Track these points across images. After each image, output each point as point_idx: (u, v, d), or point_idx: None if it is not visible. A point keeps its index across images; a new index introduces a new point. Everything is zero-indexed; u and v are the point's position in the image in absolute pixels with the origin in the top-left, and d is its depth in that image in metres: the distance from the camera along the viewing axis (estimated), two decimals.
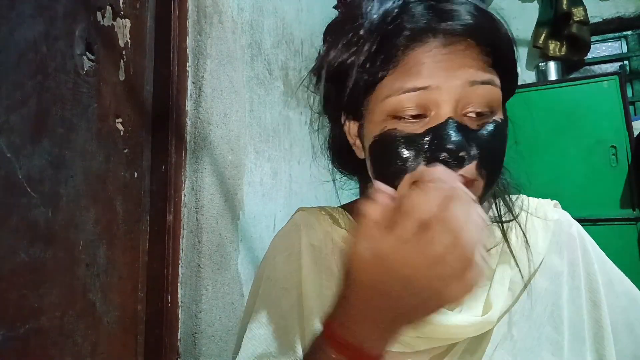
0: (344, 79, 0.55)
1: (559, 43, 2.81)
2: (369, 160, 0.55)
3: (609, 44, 3.06)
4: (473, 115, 0.50)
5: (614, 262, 0.60)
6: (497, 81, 0.51)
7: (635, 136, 2.32)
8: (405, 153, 0.50)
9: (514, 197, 0.63)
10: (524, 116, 2.89)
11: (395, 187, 0.50)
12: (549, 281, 0.58)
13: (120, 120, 0.99)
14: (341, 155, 0.64)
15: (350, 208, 0.66)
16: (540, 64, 2.84)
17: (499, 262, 0.58)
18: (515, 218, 0.60)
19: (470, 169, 0.49)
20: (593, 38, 2.88)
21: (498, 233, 0.60)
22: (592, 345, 0.55)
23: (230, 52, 1.31)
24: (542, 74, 2.81)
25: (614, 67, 2.97)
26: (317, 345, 0.44)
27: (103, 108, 0.94)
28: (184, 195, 1.12)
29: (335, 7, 1.99)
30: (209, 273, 1.14)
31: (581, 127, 2.40)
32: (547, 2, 2.90)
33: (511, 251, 0.58)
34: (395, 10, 0.52)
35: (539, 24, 2.91)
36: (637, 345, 0.56)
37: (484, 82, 0.49)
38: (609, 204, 2.32)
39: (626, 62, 3.00)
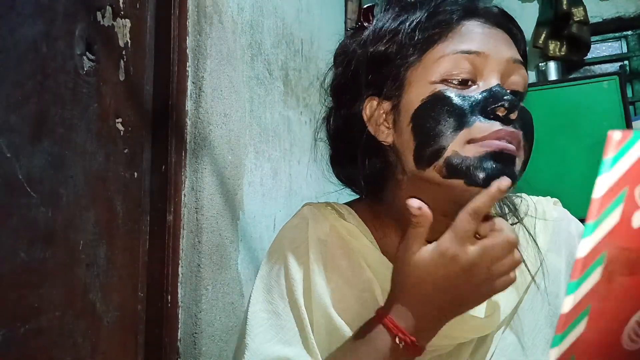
0: (387, 52, 0.57)
1: (559, 43, 2.81)
2: (411, 129, 0.54)
3: (609, 44, 3.06)
4: (513, 91, 0.53)
5: None
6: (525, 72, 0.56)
7: None
8: (461, 109, 0.51)
9: (516, 198, 0.63)
10: None
11: (443, 149, 0.51)
12: (549, 281, 0.58)
13: (120, 120, 0.99)
14: (344, 160, 0.63)
15: (354, 206, 0.66)
16: (540, 64, 2.84)
17: None
18: (520, 221, 0.60)
19: (520, 134, 0.52)
20: (593, 38, 2.88)
21: None
22: None
23: (230, 52, 1.31)
24: (542, 74, 2.81)
25: (614, 67, 2.97)
26: (373, 335, 0.50)
27: (103, 108, 0.94)
28: (184, 195, 1.12)
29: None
30: (209, 273, 1.14)
31: (581, 127, 2.40)
32: (547, 2, 2.90)
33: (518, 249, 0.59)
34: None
35: (539, 24, 2.91)
36: None
37: (522, 63, 0.55)
38: None
39: (626, 62, 3.00)
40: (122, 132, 0.99)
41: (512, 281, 0.48)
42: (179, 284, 1.07)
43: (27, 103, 0.77)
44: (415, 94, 0.54)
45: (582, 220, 0.60)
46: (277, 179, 1.55)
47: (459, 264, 0.46)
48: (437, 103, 0.52)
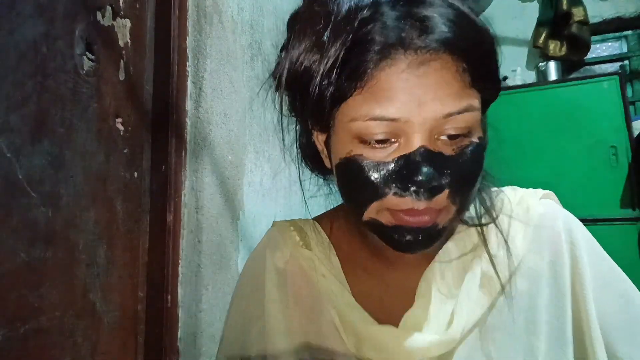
0: (308, 87, 0.49)
1: (559, 43, 2.81)
2: (336, 179, 0.52)
3: (609, 44, 3.06)
4: (447, 139, 0.46)
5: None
6: (477, 102, 0.46)
7: (635, 136, 2.32)
8: (373, 181, 0.46)
9: (493, 192, 0.58)
10: (524, 116, 2.90)
11: (362, 212, 0.49)
12: (527, 284, 0.54)
13: (120, 120, 0.99)
14: (313, 158, 0.61)
15: (320, 221, 0.64)
16: (540, 64, 2.84)
17: (469, 271, 0.54)
18: (494, 221, 0.55)
19: (441, 198, 0.46)
20: (593, 38, 2.88)
21: (475, 237, 0.56)
22: (576, 352, 0.51)
23: (230, 51, 1.31)
24: (542, 74, 2.81)
25: (614, 67, 2.97)
26: None
27: (103, 108, 0.94)
28: (184, 195, 1.12)
29: None
30: (209, 273, 1.14)
31: (581, 127, 2.40)
32: (547, 2, 2.90)
33: (489, 255, 0.54)
34: (365, 12, 0.46)
35: (539, 24, 2.91)
36: (635, 348, 0.51)
37: (460, 112, 0.45)
38: (609, 204, 2.32)
39: (626, 62, 3.00)
40: (122, 132, 0.99)
41: None
42: (179, 284, 1.07)
43: (27, 103, 0.77)
44: (336, 146, 0.50)
45: (583, 220, 0.57)
46: (277, 179, 1.55)
47: None
48: (351, 170, 0.48)
